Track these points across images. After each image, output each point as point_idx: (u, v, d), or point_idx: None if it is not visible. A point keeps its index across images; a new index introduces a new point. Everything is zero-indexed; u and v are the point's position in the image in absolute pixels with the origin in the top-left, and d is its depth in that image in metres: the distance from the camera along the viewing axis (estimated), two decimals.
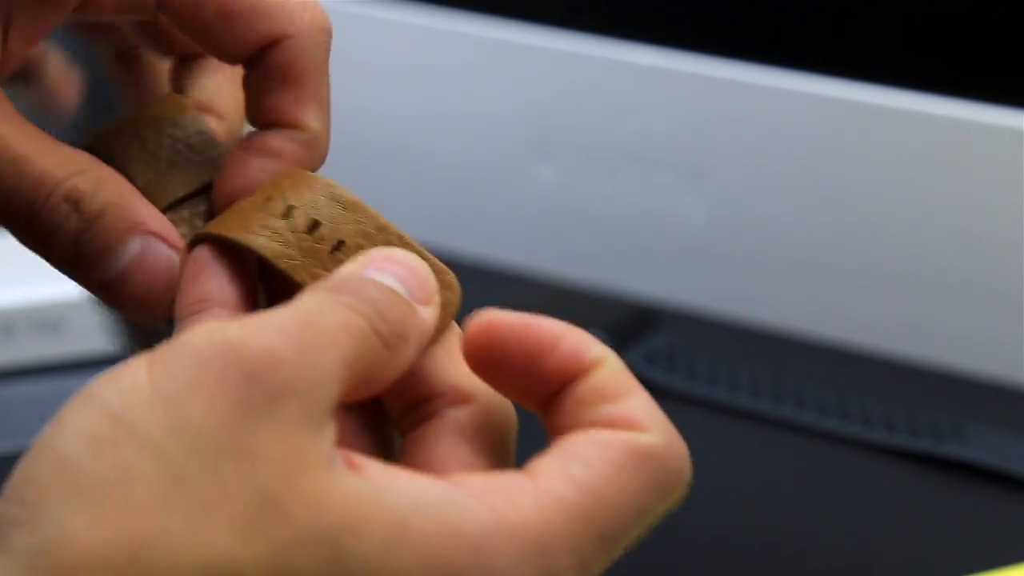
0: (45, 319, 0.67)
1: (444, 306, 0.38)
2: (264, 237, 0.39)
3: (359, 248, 0.39)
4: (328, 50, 0.42)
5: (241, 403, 0.33)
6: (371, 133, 0.78)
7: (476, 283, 0.77)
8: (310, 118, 0.41)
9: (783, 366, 0.71)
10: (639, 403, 0.38)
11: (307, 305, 0.35)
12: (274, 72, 0.41)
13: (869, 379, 0.70)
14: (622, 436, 0.36)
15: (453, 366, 0.38)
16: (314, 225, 0.39)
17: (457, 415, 0.37)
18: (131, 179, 0.40)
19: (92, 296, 0.41)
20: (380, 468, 0.34)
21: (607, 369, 0.37)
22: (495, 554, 0.33)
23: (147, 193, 0.40)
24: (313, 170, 0.41)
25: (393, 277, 0.37)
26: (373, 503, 0.33)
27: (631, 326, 0.71)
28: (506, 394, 0.38)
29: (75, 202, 0.40)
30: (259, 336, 0.33)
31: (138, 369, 0.34)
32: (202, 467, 0.32)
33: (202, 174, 0.42)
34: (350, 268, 0.37)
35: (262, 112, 0.41)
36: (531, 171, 0.77)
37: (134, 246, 0.40)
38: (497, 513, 0.34)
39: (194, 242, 0.40)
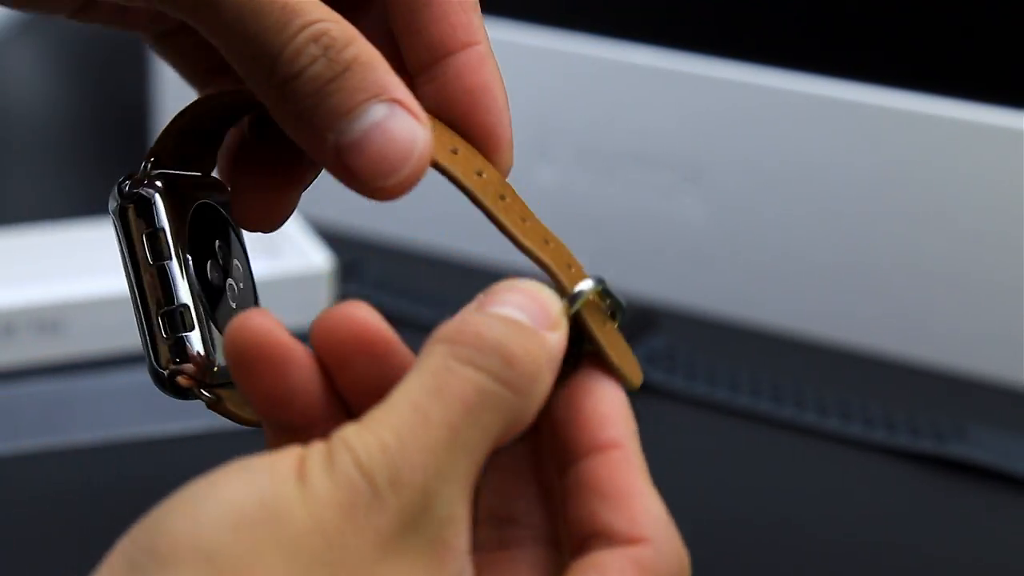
0: (45, 319, 0.67)
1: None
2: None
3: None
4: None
5: (377, 532, 0.33)
6: None
7: (476, 284, 0.77)
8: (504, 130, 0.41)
9: (783, 366, 0.71)
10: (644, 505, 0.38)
11: (425, 383, 0.35)
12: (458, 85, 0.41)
13: (870, 379, 0.70)
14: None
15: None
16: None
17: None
18: None
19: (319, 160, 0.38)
20: None
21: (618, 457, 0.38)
22: None
23: None
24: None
25: (515, 307, 0.36)
26: None
27: (631, 326, 0.71)
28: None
29: (325, 47, 0.37)
30: (396, 457, 0.34)
31: (291, 458, 0.34)
32: None
33: None
34: (468, 309, 0.36)
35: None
36: (530, 171, 0.77)
37: (379, 110, 0.37)
38: None
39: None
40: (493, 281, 0.83)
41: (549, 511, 0.38)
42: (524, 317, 0.36)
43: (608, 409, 0.39)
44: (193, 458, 0.62)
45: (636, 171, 0.75)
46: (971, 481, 0.63)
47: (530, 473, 0.38)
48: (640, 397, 0.68)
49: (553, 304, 0.37)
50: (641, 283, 0.76)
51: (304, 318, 0.70)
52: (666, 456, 0.66)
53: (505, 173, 0.41)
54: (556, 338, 0.36)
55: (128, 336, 0.69)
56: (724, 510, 0.61)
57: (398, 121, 0.37)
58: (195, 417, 0.64)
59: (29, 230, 0.73)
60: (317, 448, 0.34)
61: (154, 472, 0.61)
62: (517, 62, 0.77)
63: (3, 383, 0.66)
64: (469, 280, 0.78)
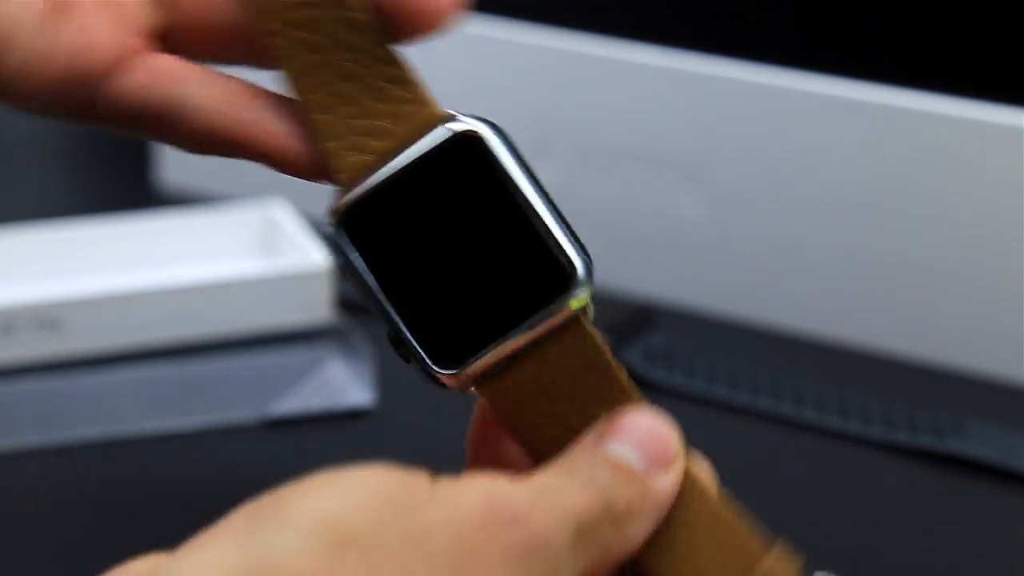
0: (45, 319, 0.67)
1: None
2: None
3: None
4: None
5: (504, 552, 0.34)
6: None
7: None
8: None
9: (782, 363, 0.71)
10: None
11: (546, 480, 0.36)
12: None
13: (868, 376, 0.70)
14: None
15: None
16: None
17: None
18: None
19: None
20: None
21: None
22: None
23: None
24: None
25: (633, 446, 0.38)
26: None
27: (630, 324, 0.71)
28: None
29: None
30: (519, 497, 0.35)
31: (422, 473, 0.35)
32: None
33: None
34: (587, 442, 0.38)
35: None
36: None
37: None
38: None
39: None
40: None
41: None
42: (638, 457, 0.38)
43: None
44: (193, 456, 0.62)
45: (636, 170, 0.75)
46: (970, 477, 0.63)
47: None
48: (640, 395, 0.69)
49: (671, 443, 0.40)
50: (641, 281, 0.76)
51: (304, 317, 0.70)
52: None
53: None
54: (667, 481, 0.39)
55: (127, 334, 0.69)
56: None
57: None
58: (194, 415, 0.64)
59: (29, 229, 0.73)
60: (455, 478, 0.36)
61: (154, 470, 0.61)
62: (517, 61, 0.77)
63: (3, 381, 0.66)
64: None
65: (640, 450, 0.38)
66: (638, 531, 0.38)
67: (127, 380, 0.66)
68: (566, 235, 0.41)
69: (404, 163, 0.39)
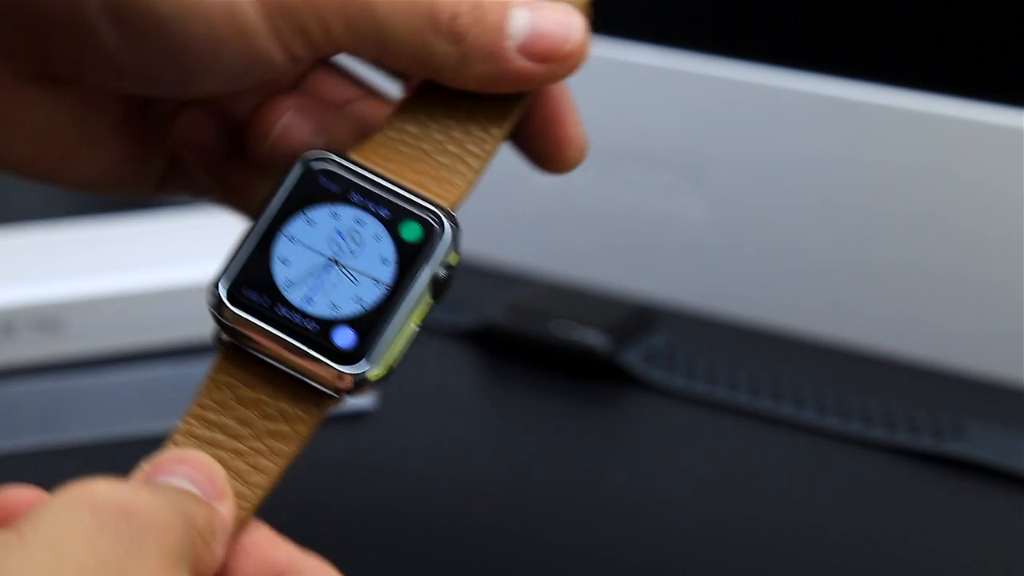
0: (45, 319, 0.67)
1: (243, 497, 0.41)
2: None
3: None
4: None
5: (118, 539, 0.35)
6: None
7: (476, 283, 0.77)
8: None
9: (782, 365, 0.71)
10: None
11: (134, 498, 0.36)
12: None
13: (869, 378, 0.70)
14: None
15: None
16: None
17: None
18: None
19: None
20: None
21: None
22: None
23: None
24: None
25: (184, 478, 0.40)
26: None
27: (630, 325, 0.71)
28: None
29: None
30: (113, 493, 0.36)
31: (5, 535, 0.35)
32: None
33: None
34: (136, 478, 0.40)
35: None
36: (531, 169, 0.77)
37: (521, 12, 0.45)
38: None
39: None
40: (491, 281, 0.82)
41: None
42: (193, 488, 0.39)
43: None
44: None
45: (636, 170, 0.75)
46: (970, 479, 0.63)
47: None
48: (640, 395, 0.69)
49: (220, 478, 0.40)
50: (641, 282, 0.76)
51: None
52: (665, 454, 0.67)
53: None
54: (225, 508, 0.40)
55: (128, 335, 0.69)
56: (723, 508, 0.61)
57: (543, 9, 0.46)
58: None
59: (29, 229, 0.73)
60: None
61: None
62: None
63: (3, 381, 0.66)
64: (469, 280, 0.78)
65: (190, 481, 0.40)
66: (218, 553, 0.39)
67: (127, 380, 0.66)
68: None
69: None
